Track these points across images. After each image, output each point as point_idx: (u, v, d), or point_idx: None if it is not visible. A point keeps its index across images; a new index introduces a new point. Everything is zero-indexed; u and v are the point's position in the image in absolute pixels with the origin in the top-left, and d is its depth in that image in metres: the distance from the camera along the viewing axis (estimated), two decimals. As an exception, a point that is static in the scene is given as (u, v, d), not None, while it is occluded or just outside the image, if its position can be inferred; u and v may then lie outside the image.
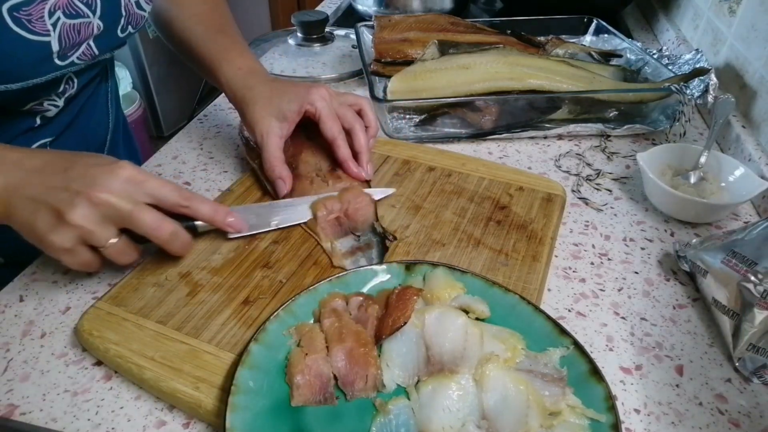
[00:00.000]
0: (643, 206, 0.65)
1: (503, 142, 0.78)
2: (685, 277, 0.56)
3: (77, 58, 0.57)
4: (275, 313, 0.45)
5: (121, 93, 1.13)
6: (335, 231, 0.57)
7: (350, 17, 1.26)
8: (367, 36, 0.93)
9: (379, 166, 0.66)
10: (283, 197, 0.60)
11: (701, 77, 0.74)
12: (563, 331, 0.44)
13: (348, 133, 0.62)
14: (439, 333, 0.44)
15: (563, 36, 0.94)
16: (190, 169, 0.72)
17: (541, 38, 0.91)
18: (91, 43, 0.58)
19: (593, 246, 0.60)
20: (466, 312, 0.46)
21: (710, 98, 0.71)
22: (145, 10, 0.64)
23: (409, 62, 0.82)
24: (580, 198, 0.67)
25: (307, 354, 0.43)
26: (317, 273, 0.52)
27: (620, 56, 0.91)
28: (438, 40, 0.84)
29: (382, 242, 0.56)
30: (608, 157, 0.75)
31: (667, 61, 0.85)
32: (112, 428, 0.43)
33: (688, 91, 0.72)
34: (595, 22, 0.99)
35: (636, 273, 0.56)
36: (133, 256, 0.49)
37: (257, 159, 0.63)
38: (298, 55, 1.03)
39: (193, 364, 0.44)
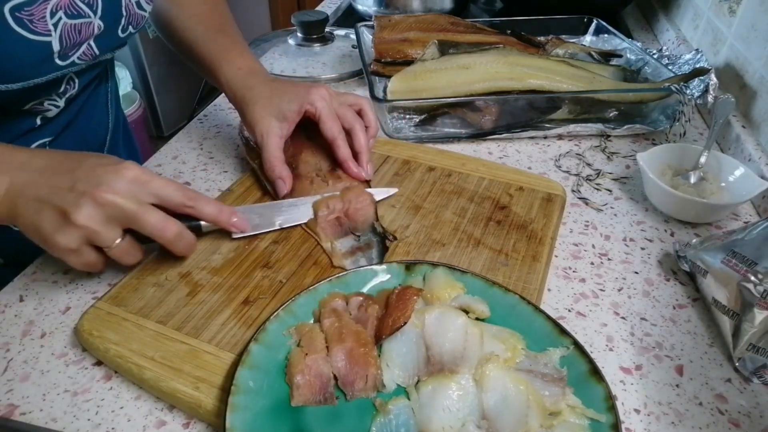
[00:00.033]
0: (643, 206, 0.65)
1: (503, 142, 0.78)
2: (685, 277, 0.56)
3: (78, 58, 0.57)
4: (275, 313, 0.45)
5: (121, 93, 1.13)
6: (335, 231, 0.57)
7: (350, 17, 1.26)
8: (367, 36, 0.93)
9: (379, 166, 0.66)
10: (283, 197, 0.60)
11: (701, 77, 0.74)
12: (563, 331, 0.44)
13: (348, 133, 0.62)
14: (439, 333, 0.44)
15: (563, 36, 0.94)
16: (190, 169, 0.72)
17: (541, 38, 0.91)
18: (92, 43, 0.58)
19: (593, 246, 0.60)
20: (466, 312, 0.46)
21: (710, 98, 0.71)
22: (145, 10, 0.64)
23: (409, 62, 0.82)
24: (580, 198, 0.67)
25: (307, 354, 0.43)
26: (317, 273, 0.52)
27: (620, 56, 0.91)
28: (438, 40, 0.84)
29: (382, 242, 0.56)
30: (608, 157, 0.75)
31: (667, 61, 0.85)
32: (112, 428, 0.43)
33: (688, 91, 0.72)
34: (595, 22, 0.99)
35: (636, 273, 0.56)
36: (138, 256, 0.49)
37: (257, 159, 0.63)
38: (298, 55, 1.03)
39: (193, 364, 0.44)
